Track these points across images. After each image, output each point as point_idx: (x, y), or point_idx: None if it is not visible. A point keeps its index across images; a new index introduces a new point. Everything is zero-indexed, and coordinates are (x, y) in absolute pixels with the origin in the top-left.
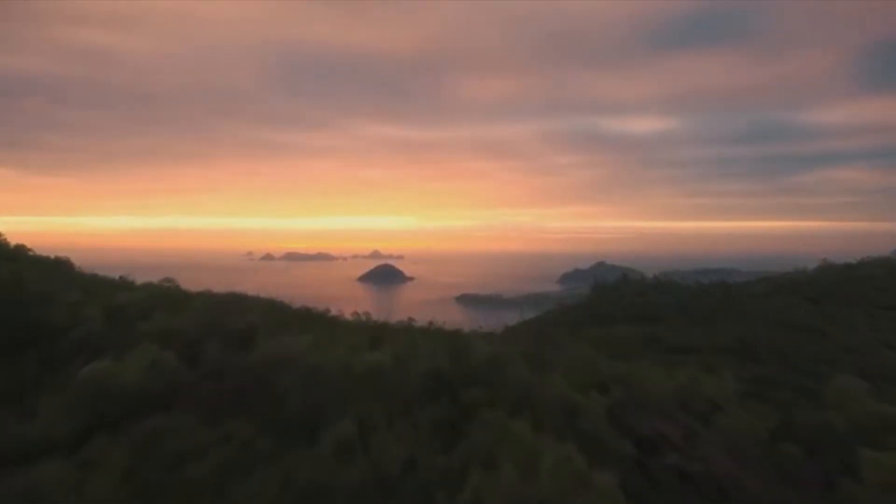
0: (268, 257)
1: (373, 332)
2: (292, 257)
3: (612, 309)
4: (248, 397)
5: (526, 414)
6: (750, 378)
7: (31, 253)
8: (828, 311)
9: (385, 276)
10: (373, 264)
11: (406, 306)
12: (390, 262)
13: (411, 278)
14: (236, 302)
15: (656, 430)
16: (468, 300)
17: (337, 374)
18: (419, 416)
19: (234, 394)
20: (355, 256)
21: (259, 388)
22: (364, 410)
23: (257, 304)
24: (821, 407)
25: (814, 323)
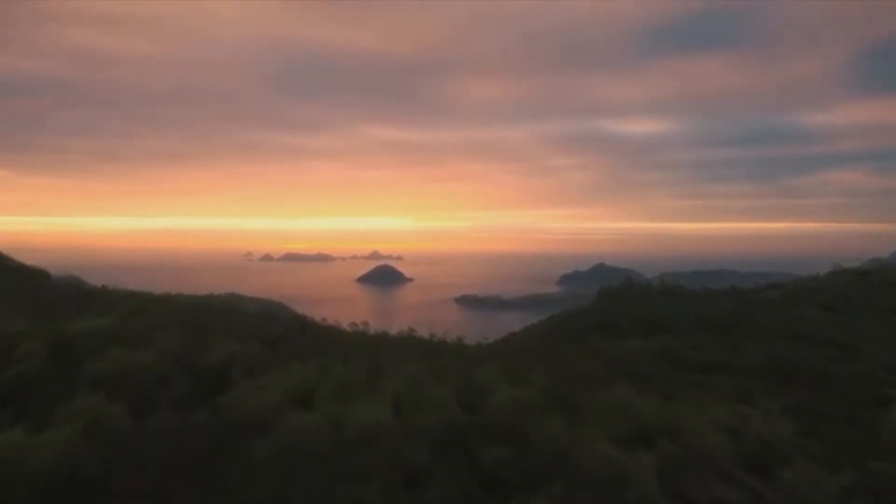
0: (267, 258)
1: (371, 356)
2: (291, 258)
3: (619, 317)
4: (207, 472)
5: (561, 483)
6: (792, 407)
7: (8, 262)
8: (851, 321)
9: (384, 276)
10: (372, 265)
11: (405, 308)
12: (389, 262)
13: (410, 279)
14: (222, 318)
15: (717, 496)
16: (468, 301)
17: (323, 439)
18: (428, 495)
19: (189, 468)
20: (354, 257)
21: (222, 460)
22: (356, 493)
23: (245, 322)
24: (886, 446)
25: (841, 336)
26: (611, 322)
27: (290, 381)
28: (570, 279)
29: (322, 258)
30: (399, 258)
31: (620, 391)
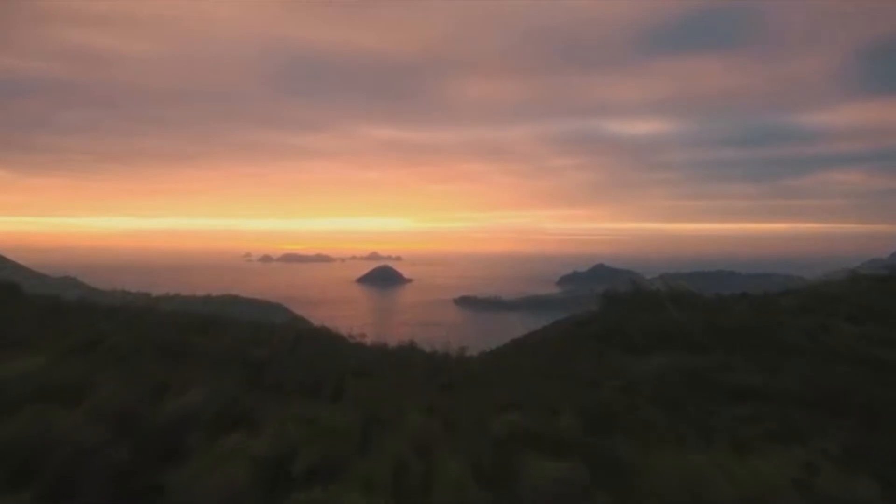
0: (266, 258)
1: (367, 392)
2: (291, 258)
3: (630, 326)
4: None
5: None
6: (853, 450)
7: None
8: (880, 334)
9: (383, 277)
10: (371, 265)
11: (405, 308)
12: (389, 263)
13: (410, 280)
14: (202, 338)
15: None
16: (467, 302)
17: None
18: None
19: None
20: (353, 258)
21: None
22: None
23: (229, 342)
24: None
25: (876, 351)
26: (621, 332)
27: (261, 448)
28: (569, 280)
29: (321, 259)
30: (398, 258)
31: (677, 450)
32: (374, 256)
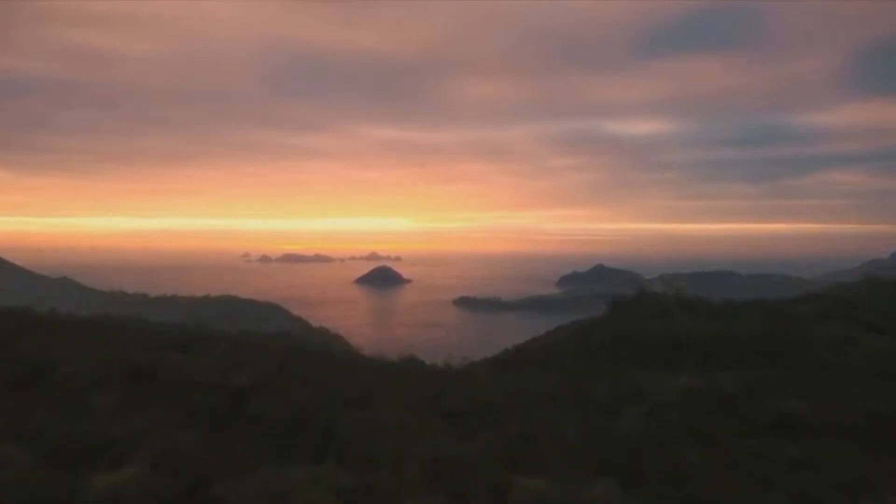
0: (265, 259)
1: (357, 439)
2: (290, 259)
3: (641, 336)
4: None
5: None
6: None
7: None
8: None
9: (382, 278)
10: (370, 266)
11: (404, 309)
12: (388, 263)
13: (409, 280)
14: (180, 358)
15: None
16: (467, 303)
17: None
18: None
19: None
20: (353, 258)
21: None
22: None
23: (207, 366)
24: None
25: None
26: (631, 342)
27: None
28: (569, 280)
29: (320, 259)
30: (398, 259)
31: None
32: (373, 257)
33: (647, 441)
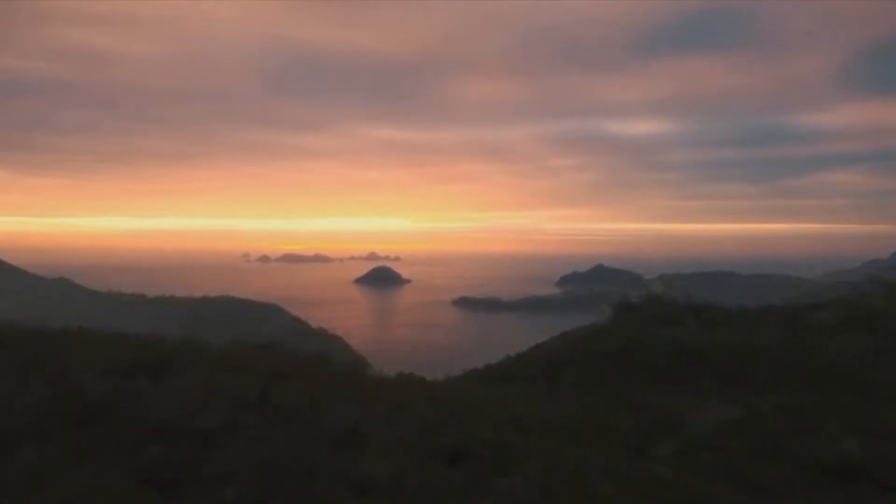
0: (264, 259)
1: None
2: (289, 259)
3: (652, 348)
4: None
5: None
6: None
7: None
8: None
9: (382, 278)
10: (370, 266)
11: (403, 310)
12: (387, 263)
13: (408, 280)
14: (152, 387)
15: None
16: (466, 303)
17: None
18: None
19: None
20: (352, 258)
21: None
22: None
23: (181, 398)
24: None
25: None
26: (641, 353)
27: None
28: (569, 280)
29: (320, 259)
30: (397, 259)
31: None
32: (372, 257)
33: (687, 493)
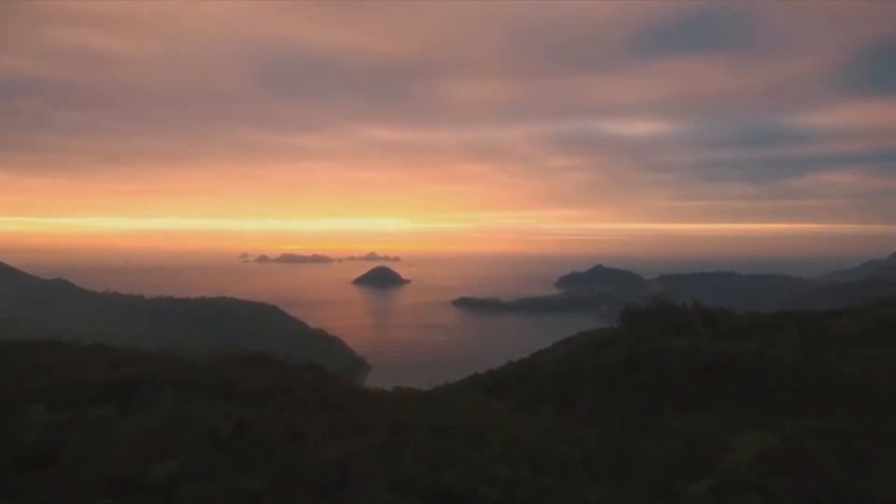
0: (263, 259)
1: None
2: (288, 259)
3: (665, 360)
4: None
5: None
6: None
7: None
8: None
9: (381, 278)
10: (369, 266)
11: (403, 311)
12: (386, 264)
13: (408, 281)
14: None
15: None
16: (466, 304)
17: None
18: None
19: None
20: (351, 258)
21: None
22: None
23: (155, 429)
24: None
25: None
26: (654, 366)
27: None
28: (568, 280)
29: (319, 259)
30: (396, 259)
31: None
32: (372, 257)
33: None
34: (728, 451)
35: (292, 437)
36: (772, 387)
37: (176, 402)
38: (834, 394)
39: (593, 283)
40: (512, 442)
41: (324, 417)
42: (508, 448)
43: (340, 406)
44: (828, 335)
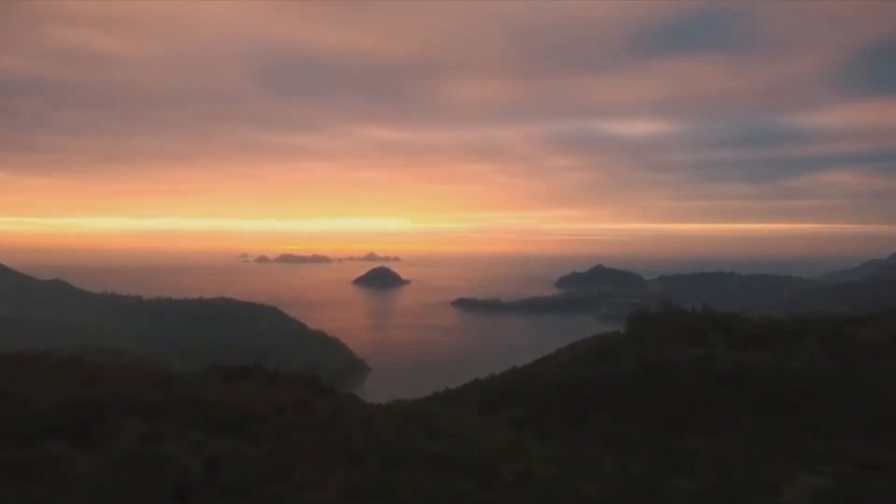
0: (262, 259)
1: None
2: (288, 259)
3: (677, 370)
4: None
5: None
6: None
7: None
8: None
9: (380, 278)
10: (368, 266)
11: (402, 311)
12: (386, 264)
13: (407, 281)
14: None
15: None
16: (466, 305)
17: None
18: None
19: None
20: (351, 258)
21: None
22: None
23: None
24: None
25: None
26: (665, 376)
27: None
28: (568, 281)
29: (318, 259)
30: (396, 259)
31: None
32: (371, 257)
33: None
34: (775, 491)
35: (273, 475)
36: (796, 402)
37: (142, 433)
38: (876, 414)
39: (593, 283)
40: (524, 478)
41: (312, 446)
42: (520, 485)
43: (332, 428)
44: (852, 345)
